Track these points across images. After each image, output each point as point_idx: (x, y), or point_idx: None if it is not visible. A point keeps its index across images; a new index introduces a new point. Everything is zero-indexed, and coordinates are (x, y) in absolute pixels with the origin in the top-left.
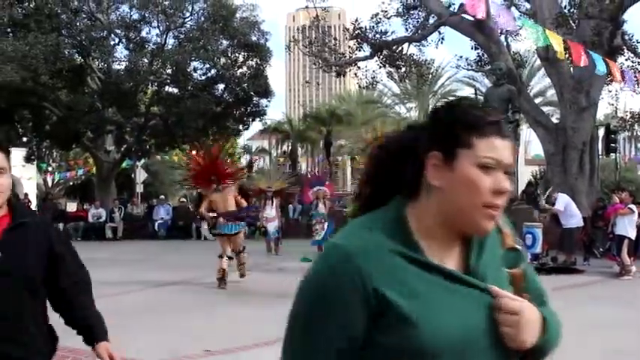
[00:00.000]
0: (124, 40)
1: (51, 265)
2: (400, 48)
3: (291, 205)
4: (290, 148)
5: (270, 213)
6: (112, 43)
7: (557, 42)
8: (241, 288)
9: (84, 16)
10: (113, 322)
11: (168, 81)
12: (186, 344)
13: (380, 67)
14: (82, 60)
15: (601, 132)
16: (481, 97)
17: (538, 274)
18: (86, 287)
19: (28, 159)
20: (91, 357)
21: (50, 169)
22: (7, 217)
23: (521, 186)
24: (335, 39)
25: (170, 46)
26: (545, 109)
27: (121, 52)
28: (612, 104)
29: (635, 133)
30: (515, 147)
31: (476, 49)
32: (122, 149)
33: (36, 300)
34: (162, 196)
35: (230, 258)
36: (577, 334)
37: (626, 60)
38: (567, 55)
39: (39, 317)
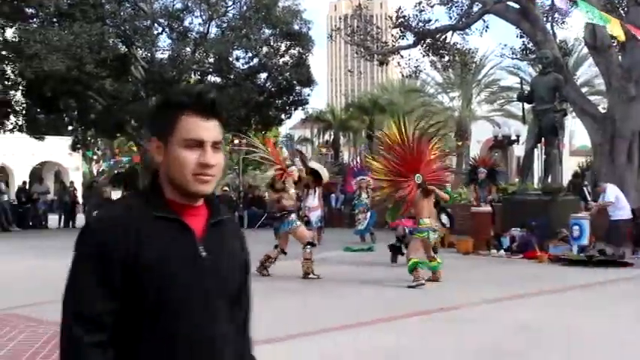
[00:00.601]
0: (167, 30)
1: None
2: (444, 36)
3: (333, 195)
4: (332, 137)
5: (313, 202)
6: (155, 32)
7: (614, 24)
8: (284, 277)
9: (128, 5)
10: None
11: (211, 70)
12: None
13: (423, 55)
14: (126, 49)
15: None
16: (527, 87)
17: (586, 267)
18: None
19: (73, 147)
20: None
21: (95, 157)
22: (205, 209)
23: (567, 177)
24: (378, 27)
25: (213, 35)
26: (591, 98)
27: (164, 41)
28: None
29: None
30: (561, 137)
31: (521, 37)
32: None
33: (233, 323)
34: None
35: (283, 252)
36: (629, 326)
37: None
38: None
39: (241, 349)
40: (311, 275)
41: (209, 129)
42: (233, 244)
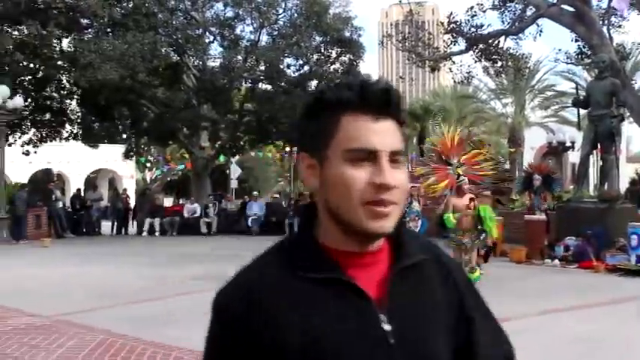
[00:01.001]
0: (218, 38)
1: (459, 337)
2: (496, 42)
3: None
4: None
5: None
6: (207, 40)
7: None
8: None
9: (180, 14)
10: (204, 317)
11: (262, 78)
12: None
13: (475, 61)
14: (178, 58)
15: None
16: (582, 92)
17: None
18: None
19: (127, 155)
20: (175, 350)
21: (148, 165)
22: (386, 251)
23: (623, 184)
24: (429, 33)
25: (264, 43)
26: None
27: (215, 49)
28: None
29: None
30: (618, 144)
31: (576, 41)
32: (217, 145)
33: None
34: (256, 192)
35: None
36: None
37: None
38: None
39: None
40: None
41: (382, 133)
42: (435, 298)
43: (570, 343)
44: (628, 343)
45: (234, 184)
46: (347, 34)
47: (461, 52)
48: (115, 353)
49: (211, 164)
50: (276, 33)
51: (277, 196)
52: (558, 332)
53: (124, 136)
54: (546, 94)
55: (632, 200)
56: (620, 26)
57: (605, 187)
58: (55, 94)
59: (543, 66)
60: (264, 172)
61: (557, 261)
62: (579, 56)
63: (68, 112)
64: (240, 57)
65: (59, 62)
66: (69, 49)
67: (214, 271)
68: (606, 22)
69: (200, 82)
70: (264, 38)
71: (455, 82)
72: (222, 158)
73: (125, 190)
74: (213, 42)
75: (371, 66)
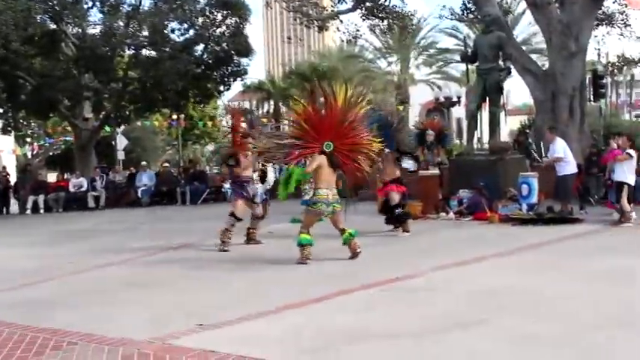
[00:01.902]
0: (97, 3)
1: None
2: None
3: (277, 166)
4: (273, 107)
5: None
6: (85, 6)
7: None
8: (232, 254)
9: None
10: (96, 297)
11: (146, 43)
12: (177, 319)
13: (363, 19)
14: (55, 25)
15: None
16: (469, 48)
17: (536, 225)
18: None
19: (4, 130)
20: (75, 337)
21: (29, 139)
22: None
23: (504, 136)
24: None
25: (146, 8)
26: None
27: (95, 15)
28: (598, 49)
29: (619, 79)
30: (504, 95)
31: None
32: (101, 116)
33: None
34: (144, 163)
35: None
36: (589, 284)
37: (613, 3)
38: None
39: None
40: (221, 246)
41: None
42: None
43: (472, 296)
44: (530, 292)
45: (121, 155)
46: None
47: (348, 11)
48: (2, 344)
49: (96, 136)
50: None
51: (167, 165)
52: (459, 286)
53: (0, 110)
54: (430, 51)
55: (520, 151)
56: None
57: (495, 138)
58: None
59: (427, 24)
60: (151, 141)
61: (452, 214)
62: (464, 12)
63: None
64: (121, 22)
65: None
66: None
67: (106, 247)
68: None
69: (80, 51)
70: (147, 2)
71: (342, 41)
72: (107, 129)
73: (5, 167)
74: (92, 7)
75: (257, 29)
